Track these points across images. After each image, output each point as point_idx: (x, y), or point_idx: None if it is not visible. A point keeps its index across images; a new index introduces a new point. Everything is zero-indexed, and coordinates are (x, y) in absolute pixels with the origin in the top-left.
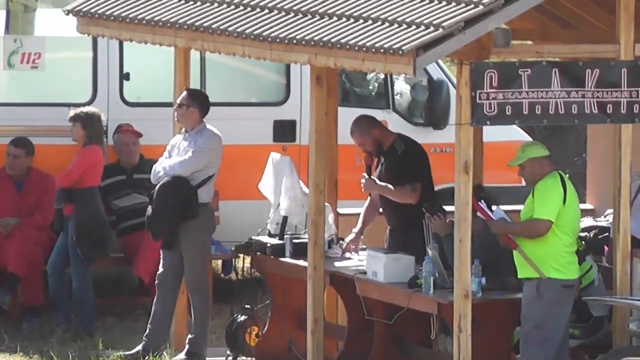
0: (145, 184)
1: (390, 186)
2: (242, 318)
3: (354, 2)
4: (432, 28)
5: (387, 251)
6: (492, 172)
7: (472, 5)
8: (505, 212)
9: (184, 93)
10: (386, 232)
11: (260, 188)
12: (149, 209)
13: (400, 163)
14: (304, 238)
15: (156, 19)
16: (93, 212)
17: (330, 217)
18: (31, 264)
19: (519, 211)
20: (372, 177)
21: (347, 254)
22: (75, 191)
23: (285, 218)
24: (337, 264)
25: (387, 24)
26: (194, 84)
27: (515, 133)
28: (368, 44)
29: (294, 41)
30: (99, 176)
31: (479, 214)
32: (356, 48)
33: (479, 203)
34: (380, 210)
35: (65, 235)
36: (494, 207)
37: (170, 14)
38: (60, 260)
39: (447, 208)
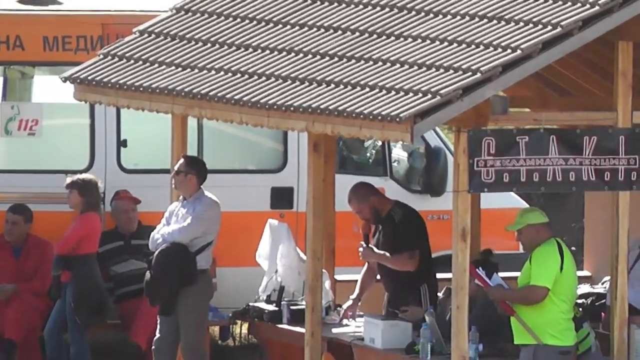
0: (143, 250)
1: (388, 254)
2: None
3: (350, 69)
4: (429, 95)
5: (385, 317)
6: (489, 238)
7: (470, 73)
8: (503, 278)
9: (182, 160)
10: (384, 299)
11: (257, 256)
12: (148, 275)
13: (398, 231)
14: (301, 304)
15: (153, 86)
16: (90, 279)
17: (328, 284)
18: (29, 331)
19: (516, 278)
20: (369, 245)
21: (345, 321)
22: (72, 258)
23: (282, 284)
24: (334, 330)
25: (384, 91)
26: (192, 150)
27: (512, 200)
28: (365, 111)
29: (291, 108)
30: (96, 243)
31: (476, 280)
32: (353, 115)
33: (477, 270)
34: (378, 277)
35: (62, 302)
36: (492, 276)
37: (168, 81)
38: (57, 326)
39: (443, 275)
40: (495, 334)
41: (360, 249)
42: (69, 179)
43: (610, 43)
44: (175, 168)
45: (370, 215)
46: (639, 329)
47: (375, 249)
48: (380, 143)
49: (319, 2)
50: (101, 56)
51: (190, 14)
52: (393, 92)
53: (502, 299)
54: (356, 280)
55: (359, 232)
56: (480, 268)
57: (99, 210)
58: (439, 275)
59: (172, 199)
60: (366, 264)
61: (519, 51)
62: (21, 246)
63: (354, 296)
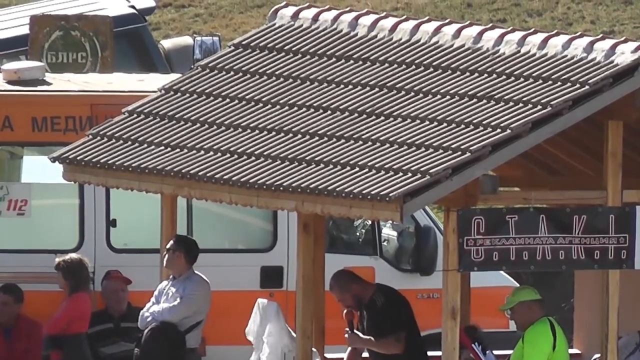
0: (133, 334)
1: (373, 339)
2: None
3: (340, 149)
4: (419, 175)
5: None
6: (479, 317)
7: (459, 152)
8: (496, 357)
9: (172, 239)
10: None
11: (246, 333)
12: (136, 352)
13: (382, 315)
14: None
15: (142, 166)
16: (80, 359)
17: None
18: None
19: (508, 356)
20: (355, 331)
21: None
22: (62, 338)
23: None
24: None
25: (374, 171)
26: (181, 230)
27: (502, 279)
28: (355, 191)
29: (281, 188)
30: (86, 323)
31: (471, 355)
32: (343, 195)
33: (473, 346)
34: (364, 354)
35: None
36: (487, 352)
37: (157, 160)
38: None
39: (434, 353)
40: None
41: (346, 335)
42: (56, 260)
43: (600, 123)
44: (166, 247)
45: (353, 303)
46: None
47: (361, 335)
48: (370, 222)
49: (308, 82)
50: (90, 136)
51: (179, 94)
52: (382, 172)
53: None
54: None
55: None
56: (476, 343)
57: (88, 290)
58: (430, 354)
59: (162, 278)
60: None
61: (508, 131)
62: (11, 327)
63: None
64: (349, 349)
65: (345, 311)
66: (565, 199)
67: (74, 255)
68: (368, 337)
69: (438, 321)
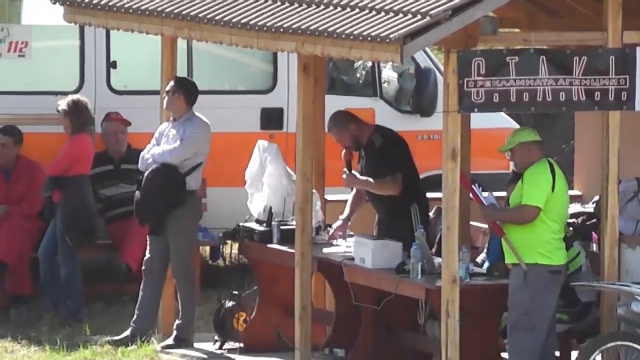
0: (132, 175)
1: (370, 180)
2: (230, 304)
3: None
4: (419, 16)
5: (375, 237)
6: (479, 159)
7: None
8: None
9: (172, 80)
10: (375, 220)
11: (245, 174)
12: (137, 194)
13: (379, 156)
14: (292, 225)
15: (143, 7)
16: (81, 201)
17: (318, 204)
18: (19, 253)
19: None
20: (352, 172)
21: (335, 241)
22: (64, 179)
23: (270, 205)
24: (324, 250)
25: (374, 12)
26: (181, 72)
27: (503, 120)
28: (355, 32)
29: (281, 30)
30: (88, 165)
31: (470, 195)
32: (343, 36)
33: (473, 186)
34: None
35: (54, 224)
36: (485, 194)
37: (157, 3)
38: (51, 246)
39: (434, 195)
40: None
41: (344, 176)
42: (59, 102)
43: None
44: (166, 88)
45: (351, 143)
46: (629, 249)
47: (358, 175)
48: (370, 64)
49: None
50: None
51: None
52: (383, 13)
53: (494, 219)
54: (346, 201)
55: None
56: (476, 185)
57: (91, 132)
58: (429, 195)
59: (162, 120)
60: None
61: None
62: (11, 168)
63: (343, 216)
64: (353, 192)
65: (343, 152)
66: (565, 40)
67: (75, 96)
68: (365, 177)
69: (438, 163)
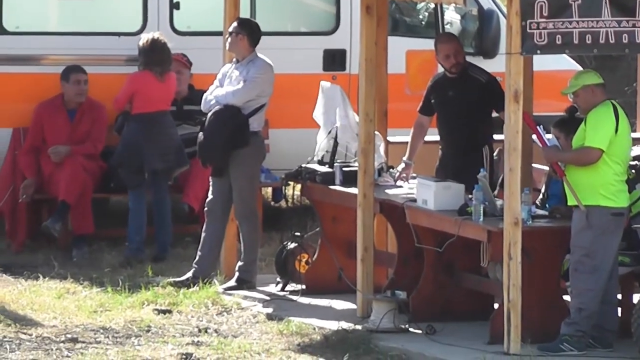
0: (195, 116)
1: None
2: (292, 245)
3: None
4: None
5: (437, 179)
6: (542, 101)
7: None
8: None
9: (235, 21)
10: (437, 161)
11: (314, 116)
12: (200, 136)
13: (495, 90)
14: (354, 166)
15: None
16: (133, 139)
17: (381, 146)
18: (81, 193)
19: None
20: (555, 144)
21: (399, 182)
22: (128, 115)
23: (335, 146)
24: (387, 191)
25: None
26: (244, 13)
27: (565, 62)
28: None
29: None
30: (147, 103)
31: (534, 136)
32: None
33: (537, 127)
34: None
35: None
36: (549, 135)
37: None
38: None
39: (496, 137)
40: None
41: (544, 152)
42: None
43: None
44: (229, 29)
45: (463, 61)
46: None
47: (560, 147)
48: (432, 5)
49: None
50: None
51: None
52: None
53: (556, 160)
54: (407, 142)
55: (412, 94)
56: (541, 126)
57: (156, 72)
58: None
59: (225, 61)
60: (414, 124)
61: None
62: (76, 108)
63: (406, 158)
64: (413, 130)
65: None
66: None
67: (155, 34)
68: (568, 153)
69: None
